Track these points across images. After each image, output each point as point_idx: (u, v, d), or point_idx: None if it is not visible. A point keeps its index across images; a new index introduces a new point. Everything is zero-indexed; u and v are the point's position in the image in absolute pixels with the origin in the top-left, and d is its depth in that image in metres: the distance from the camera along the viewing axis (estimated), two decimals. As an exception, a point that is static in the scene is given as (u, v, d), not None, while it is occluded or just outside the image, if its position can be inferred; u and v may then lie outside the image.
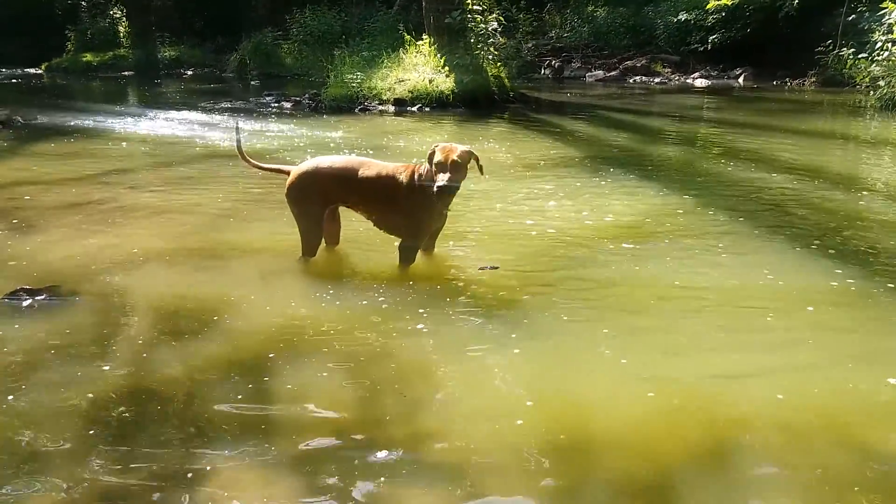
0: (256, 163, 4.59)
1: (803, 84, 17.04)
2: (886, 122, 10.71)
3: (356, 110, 12.76)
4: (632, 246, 4.80)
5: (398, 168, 4.16)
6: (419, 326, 3.55)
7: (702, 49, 19.53)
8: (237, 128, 5.04)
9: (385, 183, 4.13)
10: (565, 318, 3.65)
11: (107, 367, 3.20)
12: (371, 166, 4.23)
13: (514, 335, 3.46)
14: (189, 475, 2.46)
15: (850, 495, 2.37)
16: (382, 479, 2.44)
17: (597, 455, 2.59)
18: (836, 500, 2.35)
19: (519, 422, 2.75)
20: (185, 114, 12.54)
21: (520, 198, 6.22)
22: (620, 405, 2.89)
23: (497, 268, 4.02)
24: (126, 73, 24.83)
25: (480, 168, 4.09)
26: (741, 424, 2.76)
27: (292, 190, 4.34)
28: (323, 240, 4.50)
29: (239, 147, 4.63)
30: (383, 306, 3.78)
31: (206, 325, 3.62)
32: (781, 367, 3.21)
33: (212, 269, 4.43)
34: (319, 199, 4.31)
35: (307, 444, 2.65)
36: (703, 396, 2.95)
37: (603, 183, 6.82)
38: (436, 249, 4.49)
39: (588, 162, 8.02)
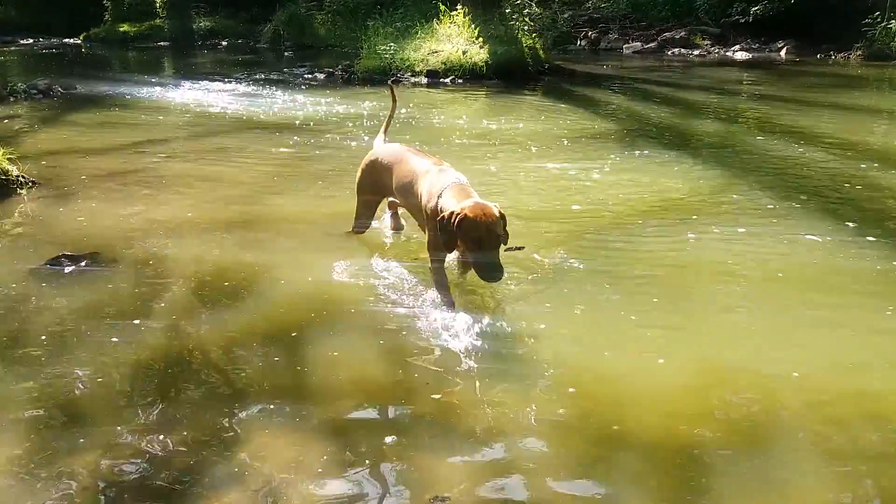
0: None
1: (848, 57, 16.47)
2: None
3: (389, 81, 12.70)
4: (669, 223, 4.73)
5: (433, 175, 3.66)
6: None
7: (743, 21, 18.99)
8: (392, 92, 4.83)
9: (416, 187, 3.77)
10: (599, 295, 3.62)
11: (145, 333, 3.27)
12: (408, 161, 3.92)
13: (548, 305, 3.46)
14: (222, 439, 2.51)
15: (878, 466, 2.34)
16: (412, 447, 2.46)
17: (626, 424, 2.57)
18: (867, 472, 2.32)
19: (550, 389, 2.75)
20: (219, 84, 12.60)
21: (554, 173, 6.15)
22: (654, 379, 2.87)
23: (522, 248, 3.99)
24: (162, 43, 25.01)
25: (505, 234, 3.37)
26: (774, 400, 2.73)
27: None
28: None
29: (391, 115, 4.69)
30: (416, 279, 3.78)
31: (242, 293, 3.67)
32: (818, 347, 3.16)
33: (247, 239, 4.47)
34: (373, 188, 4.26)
35: (339, 412, 2.68)
36: (741, 374, 2.91)
37: (640, 158, 6.70)
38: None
39: (625, 136, 7.89)
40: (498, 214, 3.30)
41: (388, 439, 2.49)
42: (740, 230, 4.58)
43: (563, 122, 8.66)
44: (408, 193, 3.83)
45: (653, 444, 2.49)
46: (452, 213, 3.28)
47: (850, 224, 4.67)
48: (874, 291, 3.72)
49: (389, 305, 3.51)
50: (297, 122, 8.76)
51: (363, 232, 4.36)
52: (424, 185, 3.64)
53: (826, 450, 2.47)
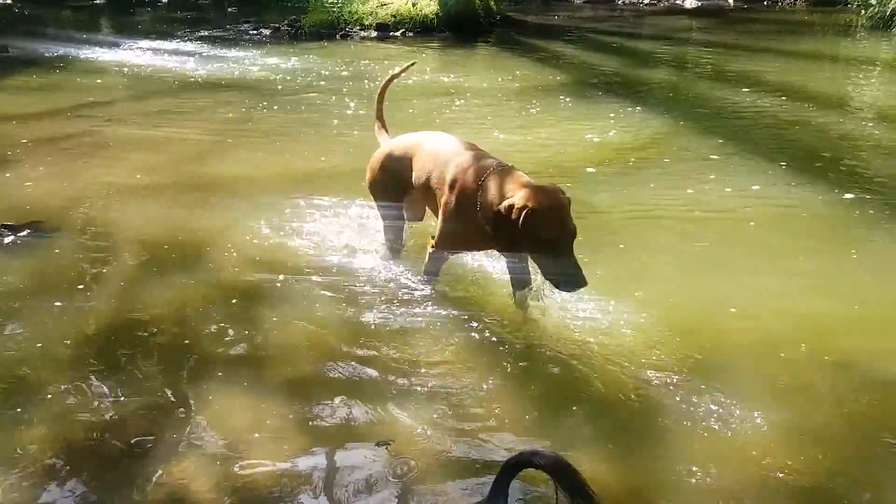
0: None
1: (794, 3, 16.64)
2: (876, 42, 10.53)
3: (337, 36, 12.40)
4: (620, 171, 4.79)
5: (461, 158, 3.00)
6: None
7: (692, -32, 18.95)
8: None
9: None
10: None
11: (93, 302, 3.20)
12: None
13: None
14: (177, 405, 2.50)
15: (825, 404, 2.46)
16: (374, 402, 2.48)
17: (574, 366, 2.64)
18: (813, 409, 2.43)
19: (498, 341, 2.80)
20: (161, 43, 12.14)
21: (507, 125, 6.13)
22: (604, 324, 2.92)
23: None
24: (98, 0, 23.92)
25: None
26: (724, 340, 2.82)
27: None
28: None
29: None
30: (372, 231, 3.77)
31: (192, 258, 3.61)
32: (768, 286, 3.26)
33: (195, 203, 4.38)
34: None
35: (295, 373, 2.69)
36: (688, 315, 2.99)
37: (592, 108, 6.72)
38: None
39: (577, 87, 7.88)
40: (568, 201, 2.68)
41: (348, 395, 2.51)
42: (690, 176, 4.66)
43: (516, 74, 8.60)
44: (427, 187, 3.06)
45: (603, 383, 2.56)
46: (512, 206, 2.57)
47: (801, 165, 4.79)
48: (815, 232, 3.84)
49: (342, 267, 3.49)
50: (244, 81, 8.53)
51: (399, 248, 3.52)
52: (453, 170, 2.91)
53: (772, 387, 2.57)
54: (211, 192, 4.58)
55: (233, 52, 10.84)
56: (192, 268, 3.52)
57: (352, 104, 7.07)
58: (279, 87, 8.11)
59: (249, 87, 8.09)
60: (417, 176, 3.12)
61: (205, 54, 10.81)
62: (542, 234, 2.56)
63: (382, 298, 3.17)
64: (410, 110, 6.57)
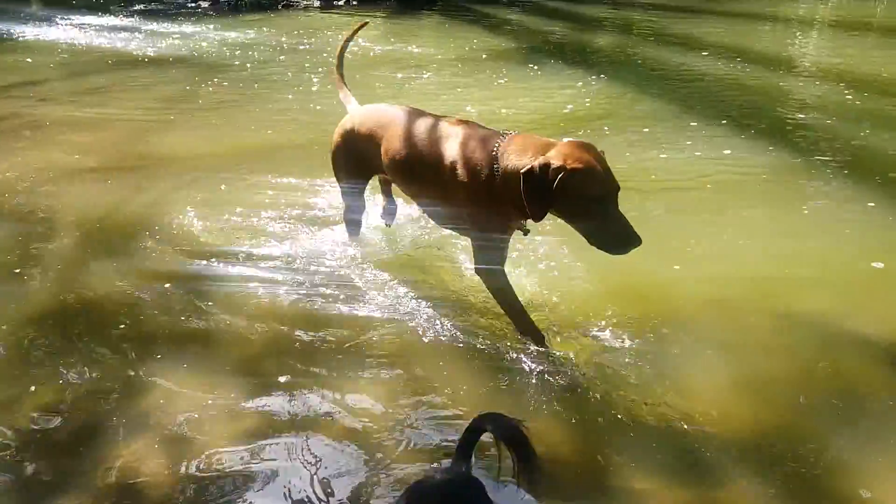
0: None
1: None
2: (813, 2, 10.75)
3: (280, 7, 12.10)
4: (571, 136, 4.80)
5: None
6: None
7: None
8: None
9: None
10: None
11: (34, 285, 3.09)
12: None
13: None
14: (127, 387, 2.44)
15: (771, 357, 2.52)
16: (323, 382, 2.45)
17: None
18: (762, 361, 2.50)
19: (455, 306, 2.80)
20: (93, 19, 11.66)
21: (458, 93, 6.09)
22: (555, 288, 2.95)
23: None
24: (25, -25, 22.81)
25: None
26: (673, 301, 2.87)
27: None
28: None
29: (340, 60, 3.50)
30: (312, 215, 3.71)
31: (134, 240, 3.50)
32: (711, 246, 3.32)
33: (136, 183, 4.24)
34: None
35: (245, 349, 2.65)
36: (639, 279, 3.03)
37: (540, 73, 6.71)
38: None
39: (524, 53, 7.86)
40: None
41: (291, 376, 2.48)
42: (636, 138, 4.70)
43: (463, 42, 8.52)
44: (414, 172, 2.74)
45: (556, 348, 2.57)
46: (547, 165, 2.26)
47: (744, 124, 4.87)
48: (766, 193, 3.92)
49: (286, 243, 3.43)
50: (183, 55, 8.26)
51: (356, 230, 3.32)
52: (452, 151, 2.57)
53: (721, 344, 2.62)
54: (153, 171, 4.45)
55: (173, 27, 10.49)
56: (133, 249, 3.42)
57: (302, 77, 6.92)
58: (219, 60, 7.88)
59: (193, 62, 7.85)
60: (393, 158, 2.78)
61: (144, 28, 10.43)
62: (589, 193, 2.27)
63: (328, 280, 3.13)
64: (378, 84, 6.45)
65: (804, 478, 2.02)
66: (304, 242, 3.41)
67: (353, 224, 3.30)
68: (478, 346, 2.61)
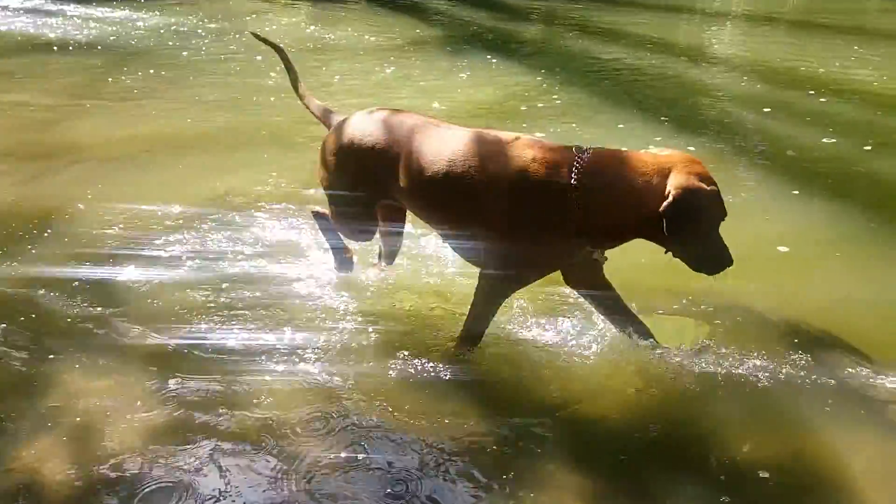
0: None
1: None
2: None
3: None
4: (496, 126, 4.82)
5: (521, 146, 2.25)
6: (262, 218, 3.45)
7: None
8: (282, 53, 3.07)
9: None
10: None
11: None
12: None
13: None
14: (28, 385, 2.32)
15: (661, 330, 2.60)
16: (240, 371, 2.40)
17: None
18: (660, 334, 2.57)
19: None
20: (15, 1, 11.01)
21: (381, 82, 6.04)
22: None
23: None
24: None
25: None
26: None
27: None
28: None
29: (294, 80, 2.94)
30: (226, 200, 3.62)
31: (30, 234, 3.30)
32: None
33: (43, 171, 4.04)
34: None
35: (154, 335, 2.57)
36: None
37: (464, 63, 6.72)
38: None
39: (450, 42, 7.86)
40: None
41: (208, 370, 2.40)
42: (559, 129, 4.77)
43: (388, 30, 8.46)
44: (448, 196, 2.30)
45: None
46: (700, 189, 2.05)
47: (662, 115, 5.01)
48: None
49: (200, 231, 3.32)
50: (93, 38, 7.88)
51: (349, 266, 2.88)
52: (510, 171, 2.18)
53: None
54: (60, 159, 4.24)
55: (79, 8, 9.98)
56: (43, 241, 3.25)
57: (222, 63, 6.73)
58: (131, 44, 7.56)
59: (99, 46, 7.50)
60: (419, 178, 2.32)
61: (47, 11, 9.89)
62: (717, 215, 2.13)
63: (245, 259, 3.06)
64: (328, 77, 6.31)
65: (697, 457, 2.08)
66: (215, 236, 3.29)
67: (345, 263, 2.87)
68: (391, 317, 2.60)
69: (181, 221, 3.41)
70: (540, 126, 4.85)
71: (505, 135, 2.29)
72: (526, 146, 2.21)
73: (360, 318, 2.67)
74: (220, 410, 2.21)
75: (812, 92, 5.63)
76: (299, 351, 2.50)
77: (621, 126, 4.87)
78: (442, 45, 7.76)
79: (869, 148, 4.38)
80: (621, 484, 1.99)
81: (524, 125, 4.86)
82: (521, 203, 2.17)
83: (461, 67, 6.60)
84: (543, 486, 1.94)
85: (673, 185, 2.04)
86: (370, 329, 2.60)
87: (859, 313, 2.71)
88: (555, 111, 5.25)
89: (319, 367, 2.42)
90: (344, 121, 2.58)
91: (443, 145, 2.29)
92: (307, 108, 2.83)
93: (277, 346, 2.53)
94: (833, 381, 2.32)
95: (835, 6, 9.36)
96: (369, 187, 2.50)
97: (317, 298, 2.81)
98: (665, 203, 2.02)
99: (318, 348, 2.51)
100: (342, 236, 2.81)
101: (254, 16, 9.43)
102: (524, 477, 1.96)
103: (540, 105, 5.39)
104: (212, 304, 2.77)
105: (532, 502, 1.89)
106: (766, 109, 5.23)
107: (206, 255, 3.13)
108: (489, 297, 2.37)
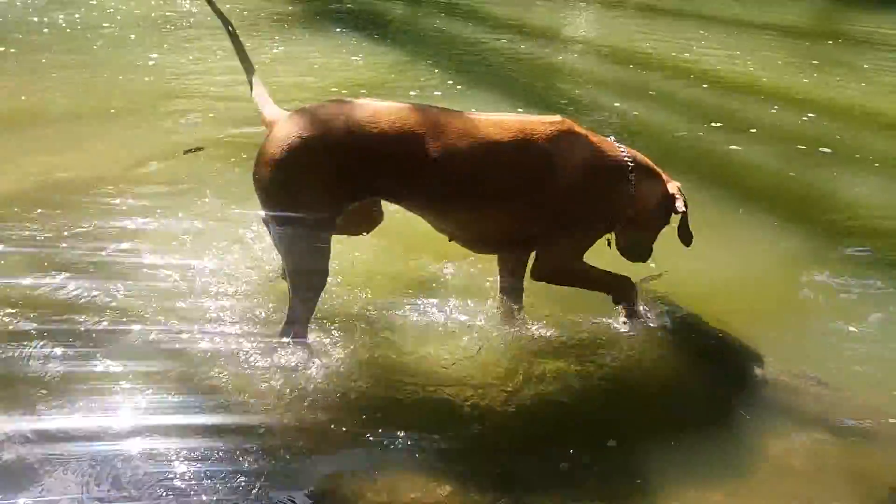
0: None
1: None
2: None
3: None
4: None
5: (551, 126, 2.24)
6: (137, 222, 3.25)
7: None
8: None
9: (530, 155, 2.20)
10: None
11: None
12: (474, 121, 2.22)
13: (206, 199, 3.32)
14: None
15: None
16: (82, 363, 2.23)
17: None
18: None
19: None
20: None
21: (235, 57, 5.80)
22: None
23: (202, 149, 3.74)
24: None
25: None
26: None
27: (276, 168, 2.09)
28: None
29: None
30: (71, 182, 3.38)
31: None
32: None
33: None
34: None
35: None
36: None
37: (328, 40, 6.60)
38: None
39: (312, 17, 7.69)
40: None
41: (57, 352, 2.24)
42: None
43: (245, 3, 8.14)
44: (488, 188, 2.18)
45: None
46: (674, 196, 2.42)
47: (519, 94, 5.17)
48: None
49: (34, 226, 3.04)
50: None
51: (311, 308, 2.25)
52: (586, 158, 2.24)
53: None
54: None
55: None
56: None
57: (77, 36, 6.20)
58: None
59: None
60: (450, 167, 2.11)
61: None
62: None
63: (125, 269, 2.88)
64: (141, 47, 5.93)
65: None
66: (60, 222, 3.02)
67: (309, 303, 2.23)
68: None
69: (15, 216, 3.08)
70: (404, 96, 4.87)
71: (549, 118, 2.26)
72: (581, 131, 2.28)
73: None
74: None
75: (661, 73, 6.02)
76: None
77: (487, 105, 4.98)
78: (301, 18, 7.60)
79: (717, 125, 4.72)
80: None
81: (389, 96, 4.85)
82: (595, 183, 2.25)
83: (325, 42, 6.49)
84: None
85: (677, 189, 2.41)
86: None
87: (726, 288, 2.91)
88: (415, 85, 5.29)
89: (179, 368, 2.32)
90: (308, 112, 2.13)
91: (494, 130, 2.16)
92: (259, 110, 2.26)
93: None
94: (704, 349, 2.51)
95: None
96: (350, 186, 2.11)
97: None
98: (680, 203, 2.38)
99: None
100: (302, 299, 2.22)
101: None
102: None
103: (401, 80, 5.41)
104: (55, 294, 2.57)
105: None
106: (618, 90, 5.54)
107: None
108: (577, 257, 2.38)
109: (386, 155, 2.09)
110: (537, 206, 2.21)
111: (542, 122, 2.22)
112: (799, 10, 8.84)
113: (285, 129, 2.08)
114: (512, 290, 2.53)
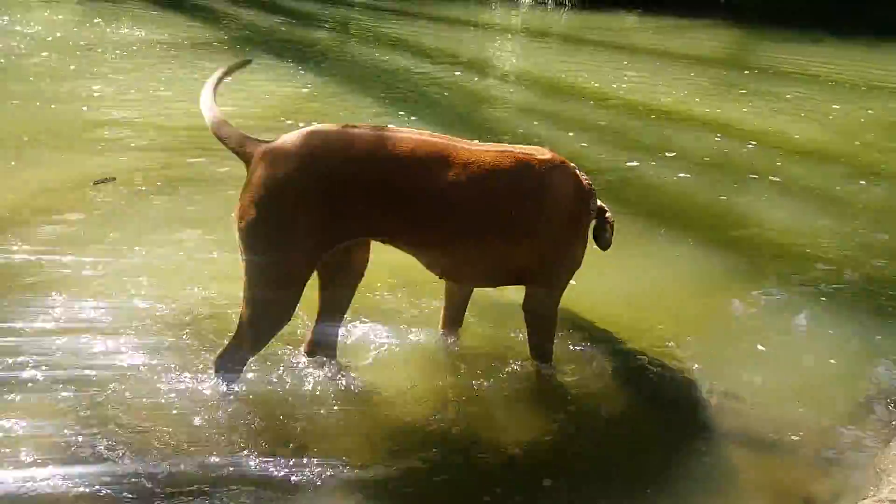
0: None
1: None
2: (507, 10, 11.88)
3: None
4: (278, 130, 4.75)
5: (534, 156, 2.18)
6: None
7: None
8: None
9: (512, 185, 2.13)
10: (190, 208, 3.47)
11: None
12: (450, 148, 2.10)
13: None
14: None
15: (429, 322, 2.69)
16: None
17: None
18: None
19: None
20: None
21: (162, 81, 5.67)
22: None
23: (114, 179, 3.63)
24: None
25: None
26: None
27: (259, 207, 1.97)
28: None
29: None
30: None
31: None
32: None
33: None
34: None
35: None
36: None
37: (253, 69, 6.51)
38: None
39: (235, 45, 7.61)
40: None
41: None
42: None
43: (170, 29, 8.00)
44: (480, 220, 2.11)
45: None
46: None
47: (450, 123, 5.20)
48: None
49: None
50: None
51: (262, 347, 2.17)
52: (562, 187, 2.19)
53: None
54: None
55: None
56: None
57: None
58: None
59: None
60: (437, 201, 2.03)
61: None
62: None
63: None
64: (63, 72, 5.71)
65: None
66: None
67: (264, 339, 2.14)
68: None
69: None
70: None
71: (538, 150, 2.20)
72: (564, 162, 2.21)
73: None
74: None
75: (585, 100, 6.17)
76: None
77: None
78: (225, 45, 7.51)
79: (640, 152, 4.83)
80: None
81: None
82: (578, 215, 2.22)
83: (252, 74, 6.40)
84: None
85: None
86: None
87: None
88: (343, 110, 5.28)
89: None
90: (294, 141, 2.00)
91: (489, 164, 2.07)
92: (219, 137, 2.12)
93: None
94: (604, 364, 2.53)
95: (599, 23, 10.33)
96: (341, 223, 1.99)
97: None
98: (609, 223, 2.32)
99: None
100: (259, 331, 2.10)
101: (11, 11, 8.44)
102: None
103: (327, 110, 5.39)
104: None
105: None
106: (542, 118, 5.64)
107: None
108: (554, 309, 2.32)
109: (385, 188, 1.98)
110: (536, 237, 2.16)
111: (536, 156, 2.17)
112: (715, 42, 9.24)
113: (272, 162, 1.96)
114: (454, 322, 2.52)
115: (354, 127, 2.07)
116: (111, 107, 5.07)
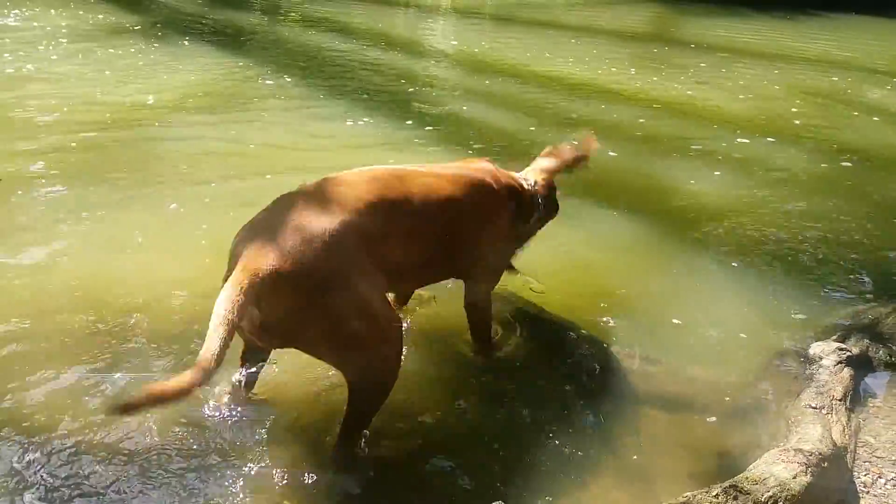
0: None
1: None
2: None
3: None
4: (208, 113, 4.64)
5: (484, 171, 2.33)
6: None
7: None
8: None
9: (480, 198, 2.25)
10: (129, 192, 3.36)
11: None
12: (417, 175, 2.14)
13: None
14: None
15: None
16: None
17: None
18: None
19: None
20: None
21: (74, 73, 5.43)
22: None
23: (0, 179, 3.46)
24: None
25: None
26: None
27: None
28: None
29: None
30: None
31: None
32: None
33: None
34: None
35: None
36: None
37: (174, 52, 6.31)
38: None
39: (156, 29, 7.34)
40: None
41: None
42: (289, 118, 4.71)
43: (89, 15, 7.66)
44: (453, 238, 2.17)
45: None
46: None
47: (378, 99, 5.14)
48: (386, 157, 4.18)
49: None
50: None
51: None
52: (486, 185, 2.27)
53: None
54: None
55: None
56: None
57: None
58: None
59: None
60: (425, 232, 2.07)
61: None
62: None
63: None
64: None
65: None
66: None
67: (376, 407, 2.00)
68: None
69: None
70: (272, 115, 4.74)
71: (477, 162, 2.36)
72: (483, 166, 2.34)
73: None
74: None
75: (514, 78, 6.18)
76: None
77: (349, 120, 4.91)
78: (144, 30, 7.26)
79: (569, 125, 4.86)
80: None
81: (233, 116, 4.70)
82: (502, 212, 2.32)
83: (170, 53, 6.21)
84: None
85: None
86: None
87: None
88: (280, 102, 5.15)
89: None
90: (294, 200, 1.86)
91: (444, 185, 2.14)
92: None
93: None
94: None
95: (528, 1, 10.36)
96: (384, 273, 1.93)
97: None
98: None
99: None
100: None
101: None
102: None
103: (248, 93, 5.27)
104: None
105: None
106: (474, 96, 5.63)
107: None
108: (489, 301, 2.42)
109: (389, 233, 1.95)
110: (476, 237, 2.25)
111: (476, 167, 2.32)
112: (638, 17, 9.38)
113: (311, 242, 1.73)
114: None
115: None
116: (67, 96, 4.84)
